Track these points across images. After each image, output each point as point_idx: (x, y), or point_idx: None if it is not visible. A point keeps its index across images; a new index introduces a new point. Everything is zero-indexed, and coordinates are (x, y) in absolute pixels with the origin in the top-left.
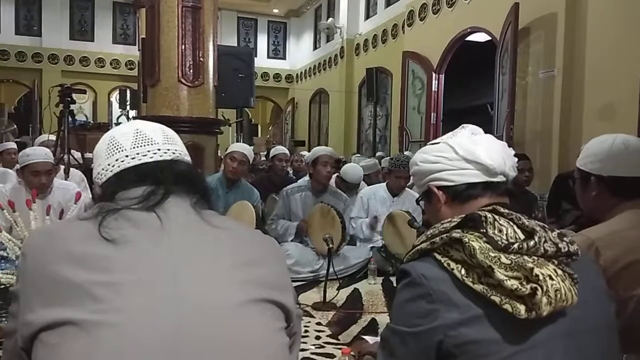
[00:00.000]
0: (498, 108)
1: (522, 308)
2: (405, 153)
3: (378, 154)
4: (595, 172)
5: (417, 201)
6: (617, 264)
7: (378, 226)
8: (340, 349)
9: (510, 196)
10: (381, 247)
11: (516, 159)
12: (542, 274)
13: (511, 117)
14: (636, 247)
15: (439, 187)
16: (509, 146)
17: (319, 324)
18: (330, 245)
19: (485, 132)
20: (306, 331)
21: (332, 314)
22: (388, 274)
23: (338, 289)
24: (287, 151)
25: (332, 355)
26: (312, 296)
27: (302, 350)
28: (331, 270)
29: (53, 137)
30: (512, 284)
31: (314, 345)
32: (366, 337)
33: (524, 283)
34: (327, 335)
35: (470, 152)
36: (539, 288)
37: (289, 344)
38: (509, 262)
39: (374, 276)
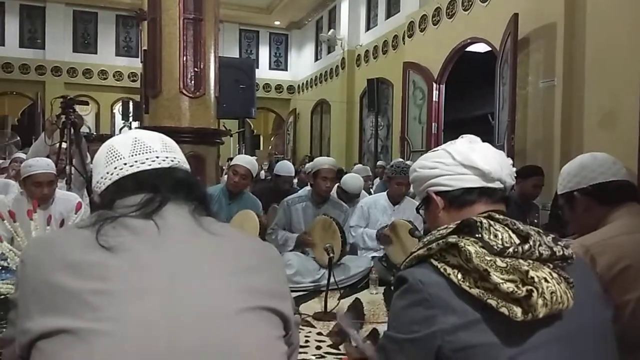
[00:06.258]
0: (499, 118)
1: (518, 311)
2: (407, 163)
3: (379, 162)
4: (576, 187)
5: (417, 209)
6: (612, 270)
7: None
8: (340, 359)
9: (507, 203)
10: (382, 257)
11: (514, 169)
12: (538, 277)
13: (512, 126)
14: (629, 252)
15: (437, 193)
16: (511, 155)
17: (319, 333)
18: (331, 255)
19: (487, 142)
20: (307, 341)
21: (333, 324)
22: (389, 283)
23: (339, 299)
24: (292, 173)
25: None
26: (313, 306)
27: None
28: (332, 280)
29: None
30: (508, 286)
31: (314, 355)
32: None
33: (520, 286)
34: (328, 345)
35: (467, 157)
36: (534, 290)
37: (288, 353)
38: (504, 265)
39: (375, 286)
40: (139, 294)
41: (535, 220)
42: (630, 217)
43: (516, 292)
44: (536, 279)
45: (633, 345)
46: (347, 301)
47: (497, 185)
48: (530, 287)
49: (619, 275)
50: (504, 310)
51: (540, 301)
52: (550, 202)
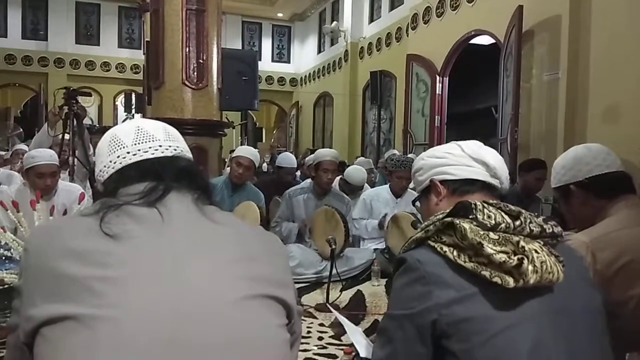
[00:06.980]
0: (502, 111)
1: (510, 280)
2: (409, 156)
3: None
4: (572, 181)
5: (414, 202)
6: (613, 266)
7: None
8: (342, 349)
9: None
10: (384, 249)
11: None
12: (529, 248)
13: (515, 119)
14: (629, 247)
15: (441, 181)
16: (514, 149)
17: (321, 324)
18: (333, 246)
19: (490, 135)
20: (309, 332)
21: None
22: (391, 275)
23: (341, 291)
24: (294, 164)
25: (335, 356)
26: (315, 297)
27: (305, 350)
28: (334, 271)
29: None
30: (500, 257)
31: (316, 345)
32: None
33: (512, 256)
34: (330, 336)
35: (476, 152)
36: (525, 258)
37: (290, 342)
38: (497, 237)
39: (377, 278)
40: (142, 281)
41: (536, 213)
42: (629, 210)
43: (508, 261)
44: (527, 249)
45: (634, 342)
46: (349, 293)
47: (496, 183)
48: (521, 256)
49: (621, 270)
50: (497, 279)
51: (530, 267)
52: (552, 196)
